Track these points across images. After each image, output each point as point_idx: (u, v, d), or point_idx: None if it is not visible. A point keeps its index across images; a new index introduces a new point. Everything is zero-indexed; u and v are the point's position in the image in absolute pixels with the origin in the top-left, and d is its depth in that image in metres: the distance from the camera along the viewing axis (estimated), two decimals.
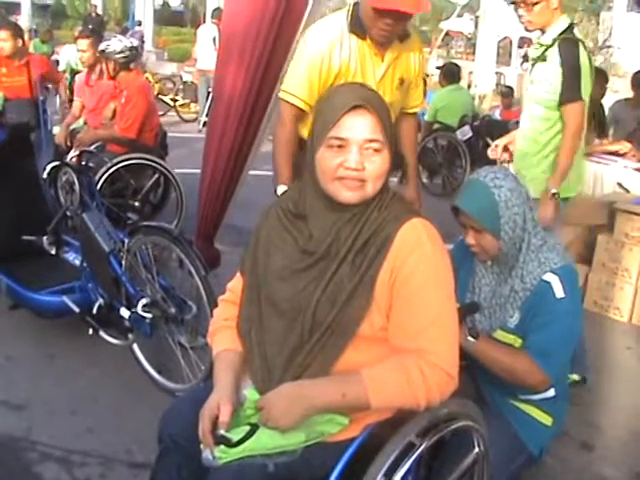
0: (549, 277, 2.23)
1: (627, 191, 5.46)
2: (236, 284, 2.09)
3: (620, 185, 5.53)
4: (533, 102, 3.68)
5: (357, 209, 1.86)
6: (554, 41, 3.53)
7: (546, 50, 3.56)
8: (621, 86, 12.93)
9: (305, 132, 2.97)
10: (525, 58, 26.24)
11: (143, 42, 17.31)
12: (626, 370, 4.30)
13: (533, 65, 3.70)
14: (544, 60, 3.57)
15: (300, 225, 1.94)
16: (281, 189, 2.95)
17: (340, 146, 1.81)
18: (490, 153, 4.03)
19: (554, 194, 3.50)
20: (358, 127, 1.80)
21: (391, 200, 1.90)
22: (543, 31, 3.60)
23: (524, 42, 25.97)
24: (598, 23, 24.12)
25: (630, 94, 6.91)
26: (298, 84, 3.02)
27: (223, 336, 2.02)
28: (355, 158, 1.80)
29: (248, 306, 1.98)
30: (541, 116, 3.63)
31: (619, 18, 21.71)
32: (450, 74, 8.53)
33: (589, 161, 5.87)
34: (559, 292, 2.21)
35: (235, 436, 1.74)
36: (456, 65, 9.27)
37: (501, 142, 3.98)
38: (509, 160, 4.06)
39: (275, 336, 1.89)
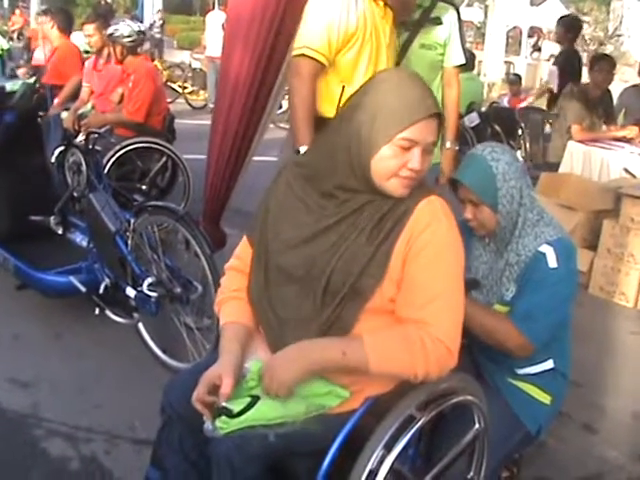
0: (544, 248, 2.24)
1: (633, 176, 5.46)
2: (243, 250, 2.08)
3: (626, 170, 5.54)
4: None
5: None
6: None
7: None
8: (631, 75, 12.90)
9: (325, 108, 2.99)
10: (535, 47, 26.23)
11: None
12: (630, 354, 4.32)
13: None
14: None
15: (311, 191, 1.95)
16: (303, 150, 2.87)
17: (408, 147, 1.83)
18: None
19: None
20: (429, 132, 1.83)
21: None
22: None
23: (534, 32, 25.93)
24: (609, 12, 24.02)
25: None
26: (317, 39, 2.91)
27: (231, 307, 2.02)
28: (420, 160, 1.83)
29: (258, 275, 1.98)
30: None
31: (630, 7, 21.61)
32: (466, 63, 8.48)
33: (596, 147, 5.89)
34: (552, 262, 2.22)
35: (236, 407, 1.76)
36: (471, 53, 9.22)
37: None
38: None
39: (287, 305, 1.91)
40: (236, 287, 2.06)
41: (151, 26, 17.77)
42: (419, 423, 1.82)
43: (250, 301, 2.00)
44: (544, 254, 2.24)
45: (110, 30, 5.35)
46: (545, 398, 2.42)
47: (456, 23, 3.59)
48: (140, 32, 5.43)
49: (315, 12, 2.97)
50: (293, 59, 3.00)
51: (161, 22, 18.07)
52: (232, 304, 2.03)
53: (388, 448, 1.76)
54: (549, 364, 2.39)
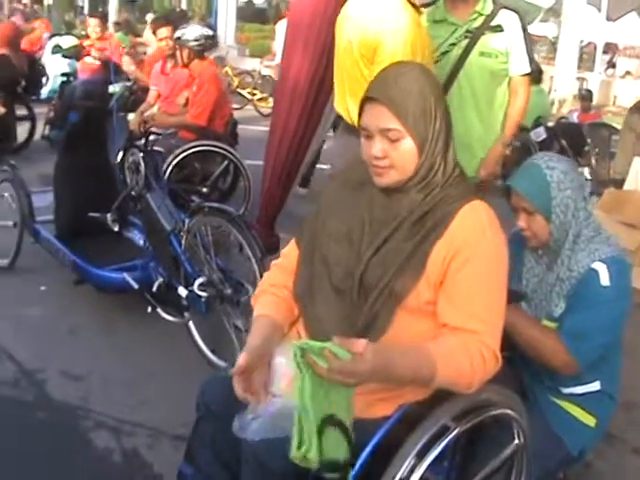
0: (597, 266, 2.19)
1: None
2: (290, 250, 2.11)
3: None
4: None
5: (412, 189, 1.88)
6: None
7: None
8: None
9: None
10: (609, 64, 25.68)
11: None
12: None
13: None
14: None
15: (360, 195, 1.97)
16: None
17: (367, 136, 1.87)
18: None
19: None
20: (374, 117, 1.85)
21: (455, 179, 1.91)
22: None
23: (609, 48, 25.38)
24: None
25: None
26: None
27: (264, 301, 2.02)
28: (380, 147, 1.84)
29: (304, 271, 2.00)
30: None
31: None
32: (534, 75, 8.31)
33: None
34: (604, 280, 2.17)
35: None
36: (538, 66, 9.08)
37: None
38: None
39: (327, 300, 1.91)
40: (274, 282, 2.07)
41: None
42: (453, 433, 1.80)
43: (294, 296, 2.01)
44: (597, 271, 2.19)
45: (178, 33, 5.46)
46: (589, 420, 2.35)
47: (520, 31, 3.49)
48: (208, 37, 5.51)
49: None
50: None
51: None
52: (266, 298, 2.03)
53: (420, 457, 1.75)
54: (596, 386, 2.33)
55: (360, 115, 1.89)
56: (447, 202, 1.86)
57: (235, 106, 12.63)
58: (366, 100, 1.87)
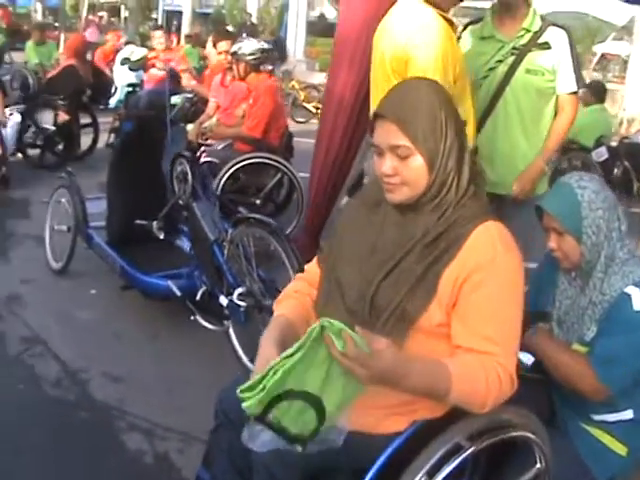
0: (630, 290, 2.13)
1: None
2: (312, 267, 2.13)
3: None
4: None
5: (425, 206, 1.86)
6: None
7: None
8: None
9: None
10: None
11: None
12: None
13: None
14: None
15: (374, 215, 1.96)
16: None
17: (379, 153, 1.87)
18: None
19: None
20: (385, 134, 1.84)
21: (469, 199, 1.88)
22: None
23: None
24: None
25: None
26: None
27: (284, 304, 2.04)
28: (389, 165, 1.84)
29: (324, 289, 2.00)
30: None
31: None
32: (596, 93, 8.18)
33: None
34: (637, 304, 2.11)
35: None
36: (602, 85, 8.92)
37: None
38: None
39: (341, 320, 1.90)
40: (296, 289, 2.08)
41: None
42: (467, 453, 1.78)
43: (315, 310, 2.01)
44: (629, 295, 2.13)
45: (234, 48, 5.55)
46: (620, 449, 2.28)
47: (567, 48, 3.38)
48: (264, 50, 5.58)
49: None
50: None
51: None
52: (286, 301, 2.05)
53: (431, 475, 1.74)
54: (628, 414, 2.27)
55: (372, 132, 1.89)
56: (461, 223, 1.83)
57: (300, 120, 12.79)
58: (376, 117, 1.87)
